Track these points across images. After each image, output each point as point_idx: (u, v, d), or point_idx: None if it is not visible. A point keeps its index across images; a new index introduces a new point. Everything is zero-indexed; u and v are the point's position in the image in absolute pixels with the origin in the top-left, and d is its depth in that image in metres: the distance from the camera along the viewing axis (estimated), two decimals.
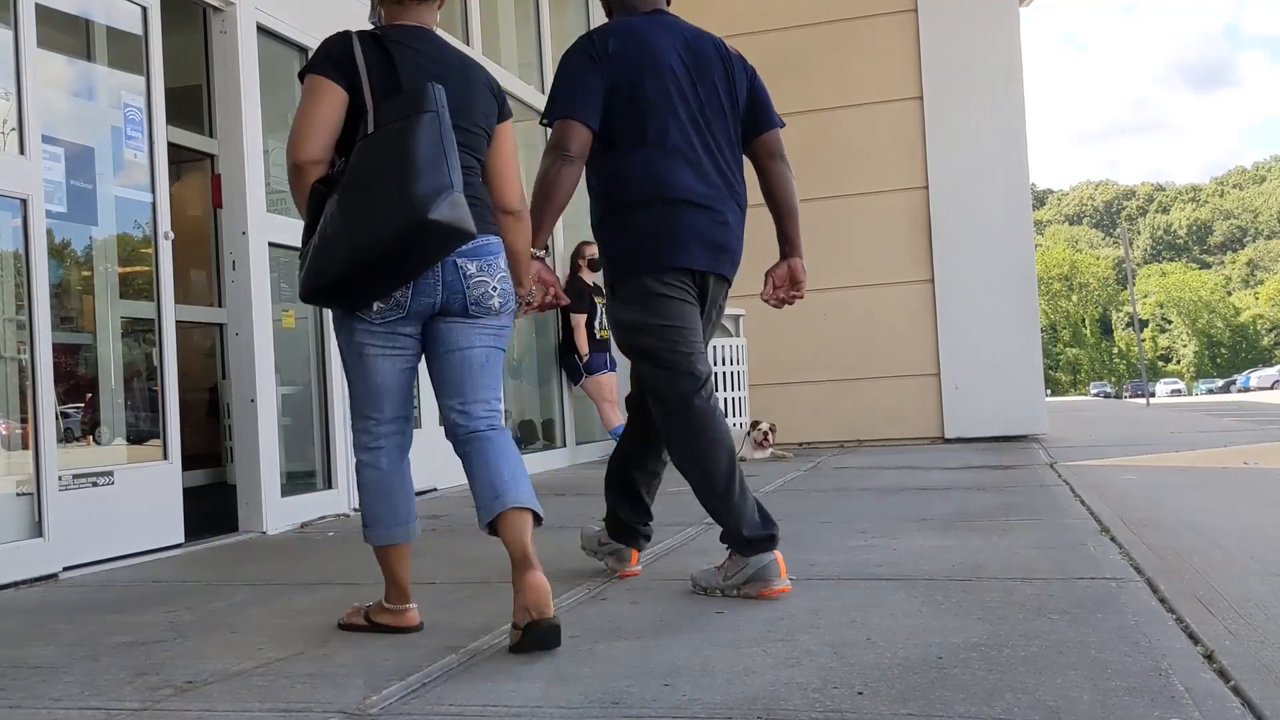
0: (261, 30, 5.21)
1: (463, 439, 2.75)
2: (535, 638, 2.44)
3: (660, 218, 3.08)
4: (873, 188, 9.30)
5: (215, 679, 2.36)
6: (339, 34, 2.64)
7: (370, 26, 2.72)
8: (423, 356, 2.79)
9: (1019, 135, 9.03)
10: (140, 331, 4.72)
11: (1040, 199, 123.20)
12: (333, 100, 2.56)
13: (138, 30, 4.55)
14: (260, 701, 2.18)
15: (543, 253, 3.08)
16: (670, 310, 3.10)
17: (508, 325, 2.79)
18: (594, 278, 8.73)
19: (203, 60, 7.61)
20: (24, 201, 3.84)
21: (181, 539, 4.49)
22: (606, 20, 3.31)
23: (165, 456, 4.51)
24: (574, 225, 9.39)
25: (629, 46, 3.10)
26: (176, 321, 4.68)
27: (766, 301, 3.43)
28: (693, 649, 2.43)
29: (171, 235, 4.60)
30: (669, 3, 3.32)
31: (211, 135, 7.14)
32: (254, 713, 2.11)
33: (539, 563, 2.57)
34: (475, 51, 7.61)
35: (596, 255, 8.63)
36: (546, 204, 3.07)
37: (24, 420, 3.83)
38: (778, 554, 3.03)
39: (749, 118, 3.28)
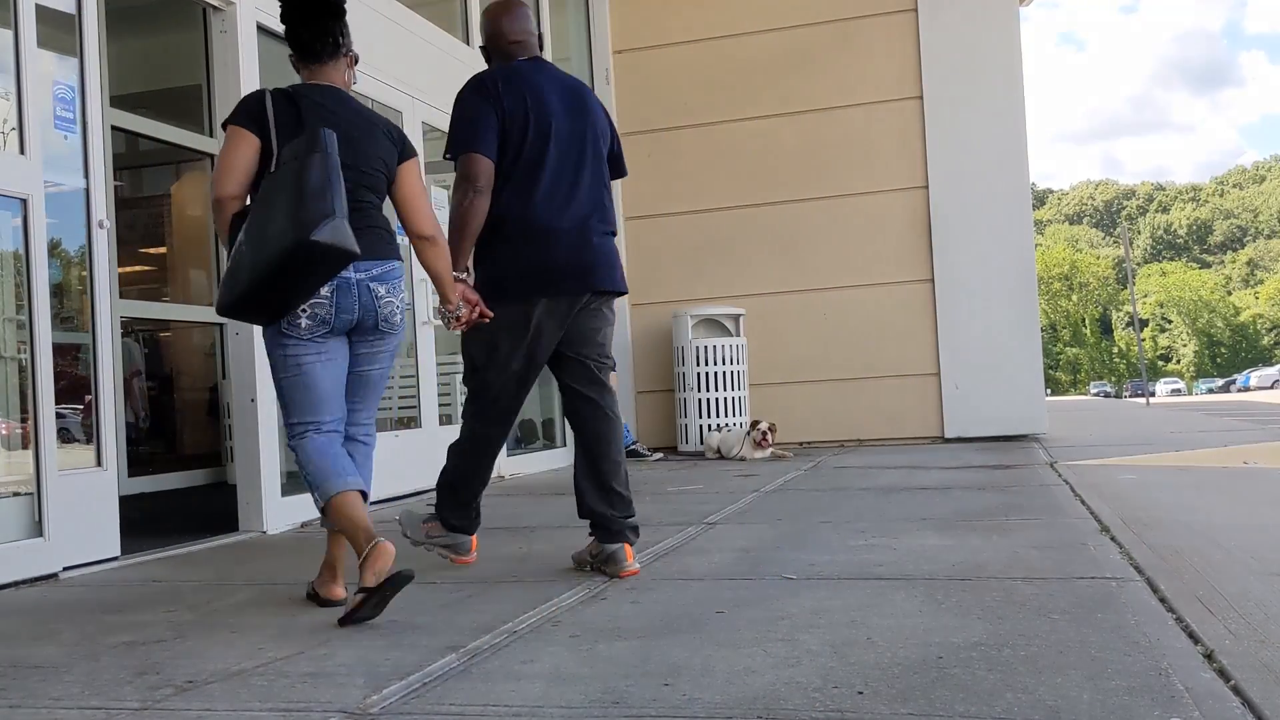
0: (261, 30, 5.20)
1: (346, 438, 3.18)
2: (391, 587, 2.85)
3: (536, 246, 3.43)
4: (873, 187, 9.29)
5: (215, 679, 2.36)
6: (255, 92, 3.12)
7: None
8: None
9: (1019, 135, 9.03)
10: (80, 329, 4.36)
11: (1040, 198, 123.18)
12: (247, 147, 3.00)
13: (70, 9, 4.19)
14: (260, 701, 2.18)
15: (464, 274, 3.42)
16: (523, 332, 3.46)
17: (400, 339, 3.27)
18: None
19: (203, 60, 7.64)
20: (24, 201, 3.84)
21: (117, 552, 4.15)
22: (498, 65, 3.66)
23: (99, 464, 4.14)
24: None
25: (516, 87, 3.47)
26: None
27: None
28: (693, 649, 2.43)
29: (107, 224, 4.26)
30: (542, 50, 3.74)
31: (212, 135, 7.16)
32: (254, 713, 2.11)
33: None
34: (475, 51, 7.60)
35: None
36: (463, 233, 3.41)
37: (24, 420, 3.83)
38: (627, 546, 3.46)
39: (609, 163, 3.69)
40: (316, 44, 3.16)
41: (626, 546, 3.42)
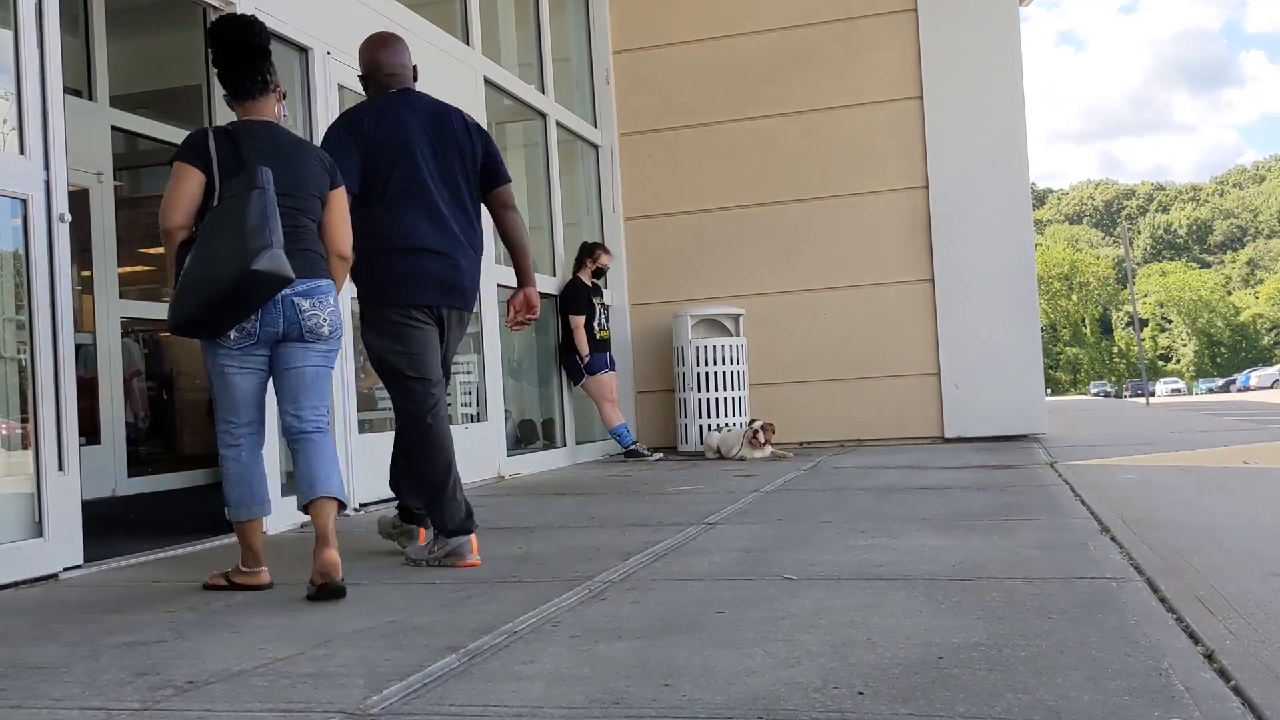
0: None
1: (295, 437, 3.51)
2: (324, 595, 3.23)
3: (403, 263, 3.82)
4: (873, 187, 9.29)
5: (215, 679, 2.36)
6: (199, 130, 3.47)
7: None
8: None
9: (1019, 134, 9.03)
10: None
11: (1040, 198, 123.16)
12: (193, 181, 3.36)
13: None
14: (260, 701, 2.18)
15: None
16: (406, 336, 3.85)
17: (336, 348, 3.58)
18: (593, 280, 8.74)
19: (203, 60, 7.64)
20: (24, 201, 3.84)
21: (80, 560, 3.98)
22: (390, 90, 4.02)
23: (60, 469, 3.94)
24: (574, 225, 9.40)
25: (385, 120, 3.86)
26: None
27: (510, 328, 4.27)
28: (693, 649, 2.43)
29: (69, 218, 4.01)
30: (416, 80, 4.08)
31: None
32: (254, 713, 2.11)
33: (335, 541, 3.32)
34: (475, 51, 7.61)
35: (606, 261, 8.72)
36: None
37: (24, 420, 3.83)
38: (472, 537, 3.84)
39: (484, 176, 4.02)
40: (248, 84, 3.51)
41: (471, 538, 3.85)
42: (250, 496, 3.48)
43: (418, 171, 3.83)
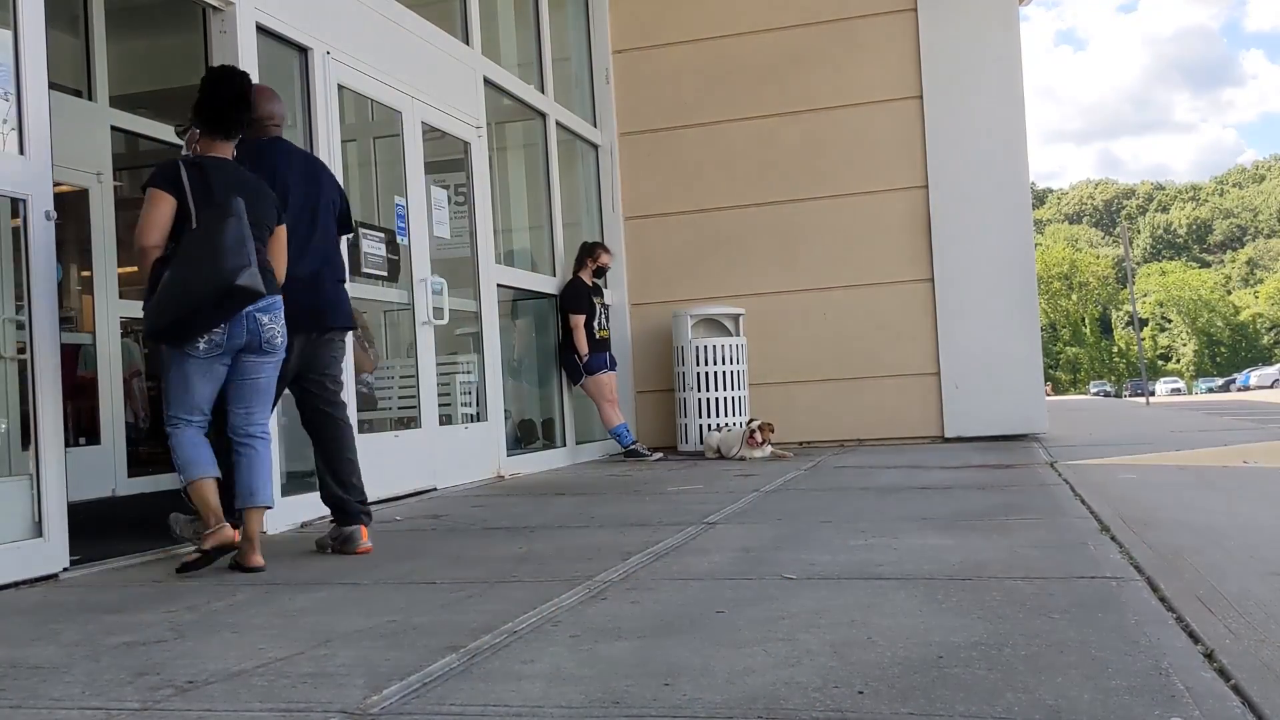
0: (261, 30, 5.21)
1: (241, 438, 3.96)
2: (240, 571, 3.81)
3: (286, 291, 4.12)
4: (873, 187, 9.29)
5: (215, 679, 2.36)
6: (170, 162, 3.89)
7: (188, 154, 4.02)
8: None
9: (1018, 134, 9.03)
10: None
11: (1040, 198, 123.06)
12: (166, 206, 3.78)
13: None
14: (260, 701, 2.18)
15: None
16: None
17: (281, 358, 4.04)
18: (594, 280, 8.74)
19: (202, 60, 7.64)
20: (24, 201, 3.84)
21: (66, 563, 3.88)
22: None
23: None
24: (573, 224, 9.40)
25: (261, 163, 4.19)
26: None
27: None
28: (693, 649, 2.43)
29: (55, 215, 3.94)
30: (283, 128, 4.54)
31: None
32: (254, 713, 2.11)
33: (259, 546, 3.90)
34: (475, 51, 7.61)
35: (607, 260, 8.72)
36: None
37: (23, 420, 3.83)
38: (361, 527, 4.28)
39: (340, 222, 4.54)
40: (235, 127, 4.01)
41: (362, 528, 4.23)
42: (200, 458, 3.85)
43: (290, 210, 4.22)
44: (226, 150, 4.00)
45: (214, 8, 5.03)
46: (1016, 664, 2.19)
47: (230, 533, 3.80)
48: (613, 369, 8.82)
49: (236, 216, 3.66)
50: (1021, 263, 9.06)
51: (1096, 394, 64.98)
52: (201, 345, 3.78)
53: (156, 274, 3.72)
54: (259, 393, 3.99)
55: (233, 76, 4.05)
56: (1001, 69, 9.07)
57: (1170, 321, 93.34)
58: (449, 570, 3.71)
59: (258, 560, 3.85)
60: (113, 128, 7.43)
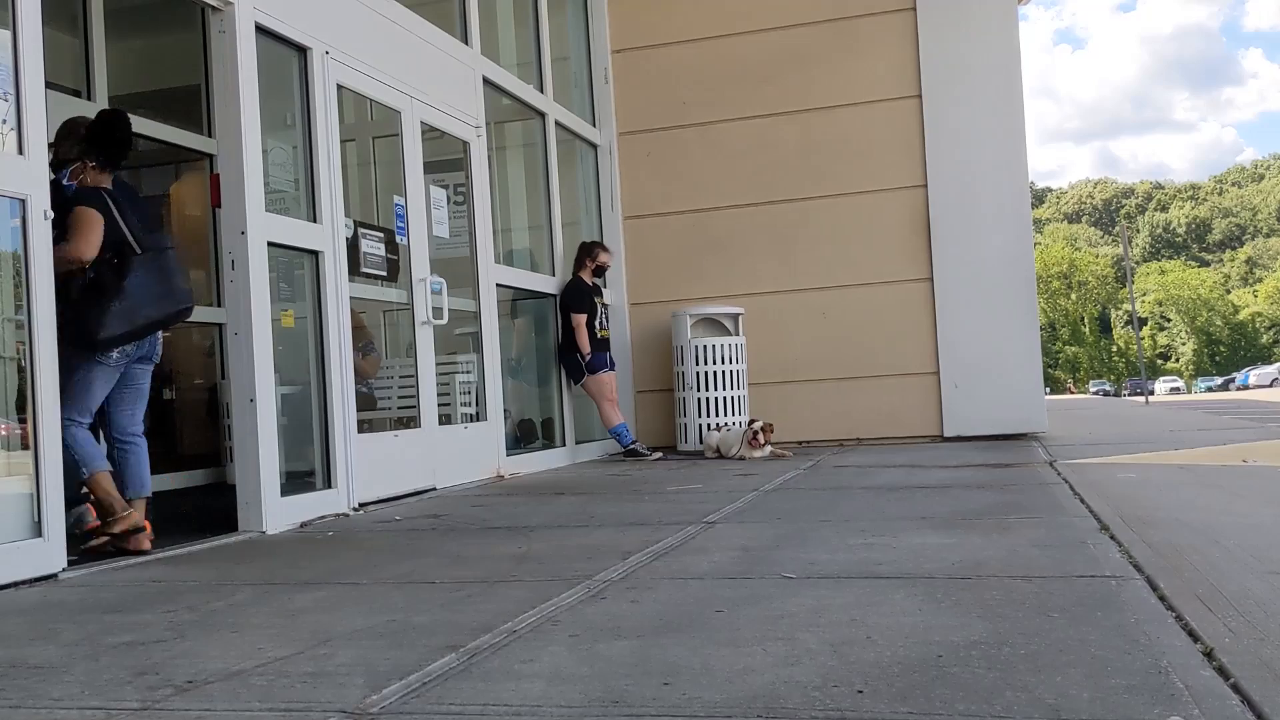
0: (260, 30, 5.21)
1: (126, 437, 4.53)
2: (134, 555, 4.23)
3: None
4: (872, 186, 9.29)
5: (215, 679, 2.36)
6: (94, 190, 4.38)
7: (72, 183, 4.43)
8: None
9: (1018, 133, 9.03)
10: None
11: (1039, 197, 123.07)
12: (100, 225, 4.28)
13: None
14: (260, 701, 2.18)
15: None
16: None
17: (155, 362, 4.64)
18: (594, 279, 8.74)
19: (202, 60, 7.64)
20: (24, 201, 3.83)
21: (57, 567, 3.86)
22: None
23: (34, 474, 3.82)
24: (573, 224, 9.40)
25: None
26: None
27: None
28: (692, 648, 2.43)
29: (51, 214, 3.95)
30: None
31: (210, 135, 7.16)
32: (254, 713, 2.11)
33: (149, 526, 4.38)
34: (474, 50, 7.62)
35: (606, 260, 8.72)
36: None
37: (22, 420, 3.83)
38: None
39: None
40: (121, 161, 4.53)
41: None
42: (97, 453, 4.32)
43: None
44: (108, 182, 4.47)
45: (213, 8, 5.03)
46: (1016, 663, 2.19)
47: (137, 516, 4.29)
48: (613, 369, 8.83)
49: (171, 249, 4.40)
50: (1021, 262, 9.06)
51: (1096, 393, 65.00)
52: (115, 355, 4.32)
53: (77, 285, 4.23)
54: (141, 396, 4.56)
55: (126, 119, 4.55)
56: (1000, 68, 9.07)
57: (1169, 320, 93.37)
58: (449, 570, 3.71)
59: (148, 544, 4.29)
60: None
